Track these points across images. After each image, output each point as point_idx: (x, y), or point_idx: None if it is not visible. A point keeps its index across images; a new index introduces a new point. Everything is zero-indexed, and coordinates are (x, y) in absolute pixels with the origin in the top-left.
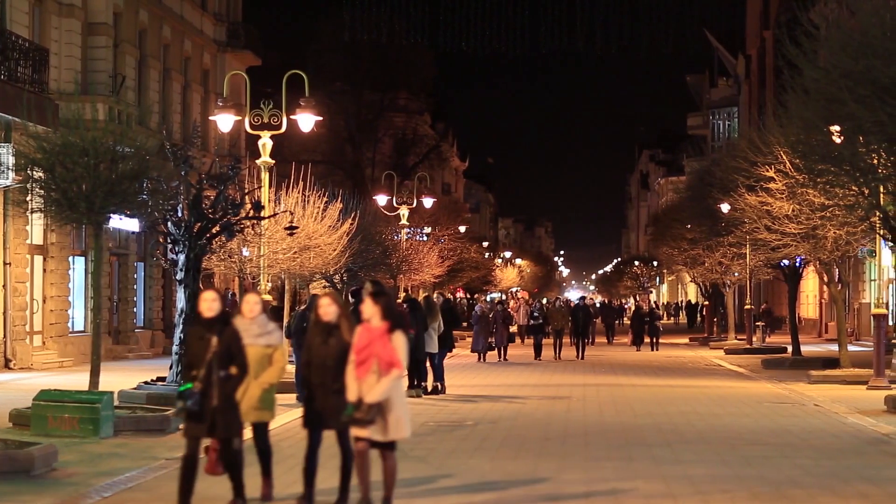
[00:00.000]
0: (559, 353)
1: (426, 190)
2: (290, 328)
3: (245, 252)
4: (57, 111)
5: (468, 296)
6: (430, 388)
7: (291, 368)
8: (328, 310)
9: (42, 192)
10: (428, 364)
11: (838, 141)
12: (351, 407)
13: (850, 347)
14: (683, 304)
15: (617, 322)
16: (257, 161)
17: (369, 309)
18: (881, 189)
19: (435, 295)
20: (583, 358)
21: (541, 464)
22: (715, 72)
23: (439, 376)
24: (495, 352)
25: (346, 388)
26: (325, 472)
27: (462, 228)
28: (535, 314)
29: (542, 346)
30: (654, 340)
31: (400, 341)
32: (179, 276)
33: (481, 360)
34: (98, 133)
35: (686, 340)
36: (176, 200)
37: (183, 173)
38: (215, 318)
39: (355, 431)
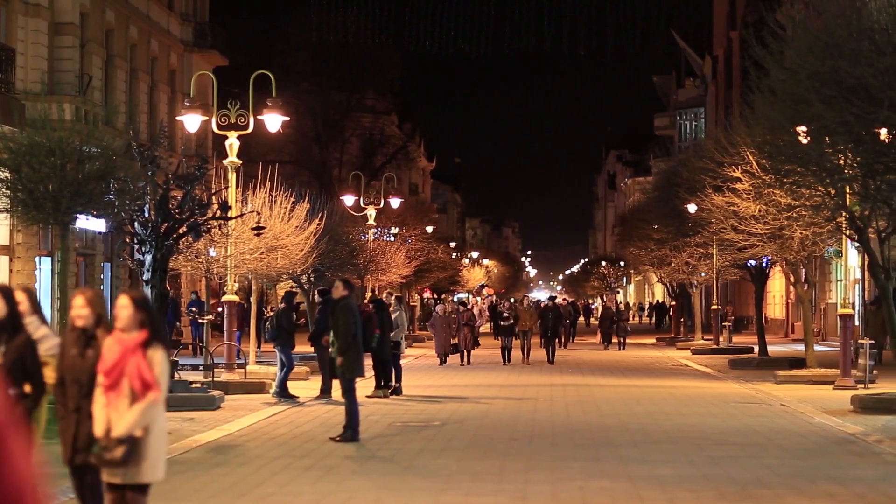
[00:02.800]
0: (528, 356)
1: (393, 190)
2: (273, 329)
3: (212, 252)
4: (23, 111)
5: (435, 296)
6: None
7: (258, 368)
8: (80, 312)
9: (8, 192)
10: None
11: (805, 141)
12: (97, 444)
13: (817, 347)
14: (655, 303)
15: (584, 321)
16: (224, 161)
17: (123, 314)
18: (847, 189)
19: (384, 294)
20: (552, 362)
21: (508, 464)
22: (682, 72)
23: (399, 377)
24: (458, 355)
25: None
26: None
27: (429, 229)
28: (506, 314)
29: (512, 348)
30: (622, 340)
31: (159, 357)
32: (146, 276)
33: (442, 363)
34: (65, 133)
35: (653, 341)
36: (143, 201)
37: (150, 173)
38: (2, 322)
39: (106, 476)
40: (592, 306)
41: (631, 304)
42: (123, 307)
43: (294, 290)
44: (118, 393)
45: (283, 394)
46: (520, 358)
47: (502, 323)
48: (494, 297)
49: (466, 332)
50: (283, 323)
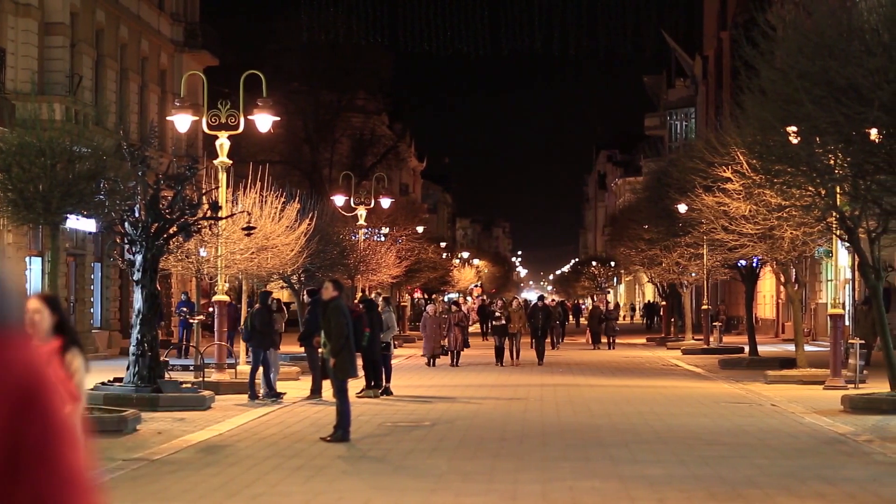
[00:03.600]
0: (517, 357)
1: (384, 190)
2: (247, 329)
3: (202, 252)
4: (13, 111)
5: (426, 296)
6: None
7: (249, 368)
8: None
9: None
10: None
11: (795, 141)
12: None
13: (807, 347)
14: (647, 303)
15: (574, 322)
16: (214, 161)
17: (38, 318)
18: (837, 189)
19: (373, 295)
20: (542, 363)
21: (498, 464)
22: (672, 73)
23: (389, 377)
24: (447, 356)
25: None
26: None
27: (420, 229)
28: (497, 314)
29: (504, 349)
30: (611, 340)
31: (77, 363)
32: (136, 276)
33: (430, 364)
34: (55, 133)
35: (644, 341)
36: (133, 201)
37: (140, 173)
38: None
39: None
40: (582, 306)
41: (622, 304)
42: (36, 311)
43: (272, 289)
44: None
45: (254, 394)
46: (509, 359)
47: (494, 323)
48: (485, 297)
49: (457, 333)
50: (256, 323)
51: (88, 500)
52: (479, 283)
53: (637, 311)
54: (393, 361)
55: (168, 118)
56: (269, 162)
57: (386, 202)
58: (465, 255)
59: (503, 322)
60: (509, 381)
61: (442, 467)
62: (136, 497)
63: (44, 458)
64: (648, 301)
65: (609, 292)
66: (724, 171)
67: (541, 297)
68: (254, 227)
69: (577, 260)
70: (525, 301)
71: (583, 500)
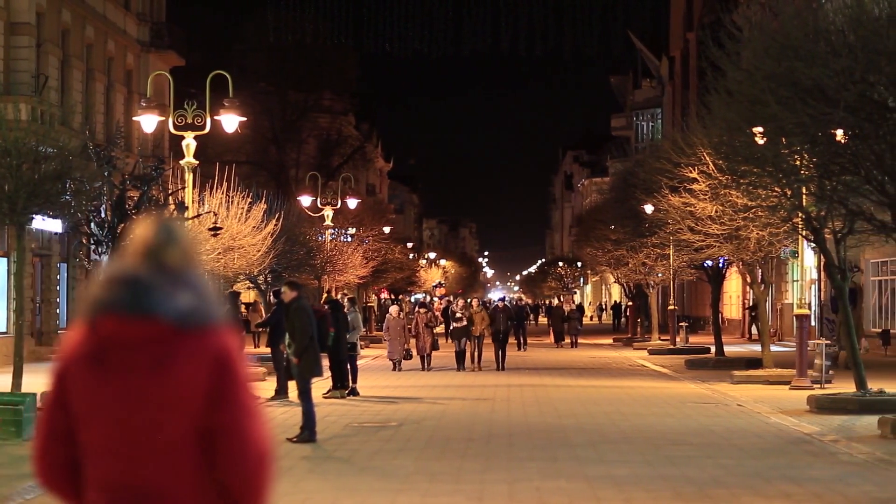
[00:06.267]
0: (479, 361)
1: (350, 191)
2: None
3: None
4: None
5: (392, 296)
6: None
7: None
8: None
9: None
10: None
11: (761, 142)
12: None
13: (773, 348)
14: (615, 303)
15: (546, 320)
16: (181, 162)
17: None
18: (803, 190)
19: (339, 296)
20: (503, 368)
21: (465, 464)
22: (639, 73)
23: (355, 378)
24: (415, 360)
25: None
26: None
27: (386, 229)
28: (458, 315)
29: (465, 352)
30: (574, 339)
31: None
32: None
33: (396, 369)
34: (20, 133)
35: (610, 341)
36: (99, 201)
37: (106, 174)
38: None
39: None
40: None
41: (590, 304)
42: None
43: (239, 289)
44: None
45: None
46: (471, 363)
47: (455, 325)
48: (451, 298)
49: (425, 336)
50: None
51: (263, 425)
52: (441, 283)
53: (606, 311)
54: (359, 362)
55: (134, 118)
56: (236, 162)
57: (352, 203)
58: (432, 255)
59: (465, 324)
60: (476, 381)
61: (409, 468)
62: None
63: (233, 399)
64: (616, 301)
65: (576, 293)
66: (691, 172)
67: (501, 299)
68: (220, 228)
69: (543, 260)
70: (488, 301)
71: (549, 500)
